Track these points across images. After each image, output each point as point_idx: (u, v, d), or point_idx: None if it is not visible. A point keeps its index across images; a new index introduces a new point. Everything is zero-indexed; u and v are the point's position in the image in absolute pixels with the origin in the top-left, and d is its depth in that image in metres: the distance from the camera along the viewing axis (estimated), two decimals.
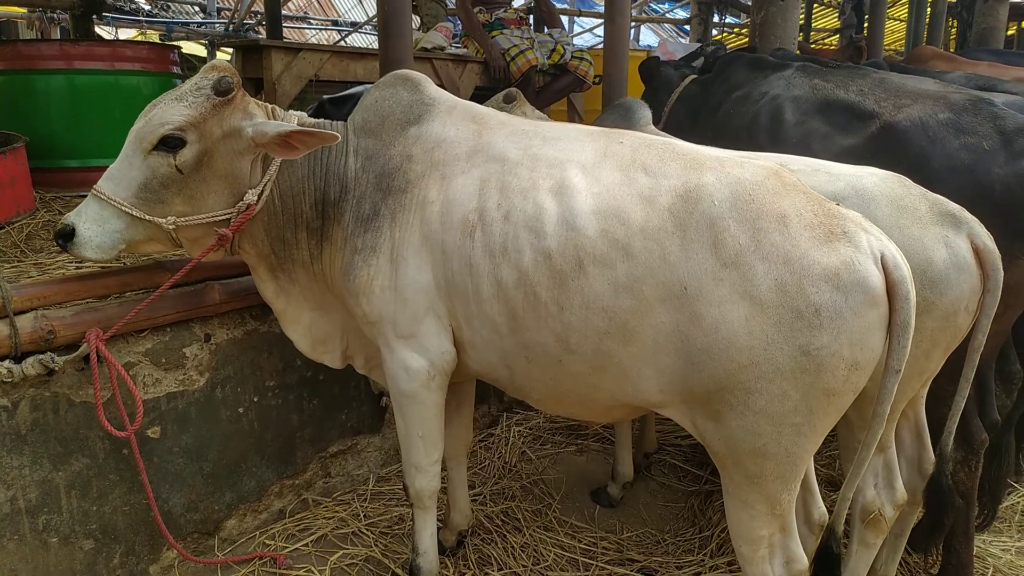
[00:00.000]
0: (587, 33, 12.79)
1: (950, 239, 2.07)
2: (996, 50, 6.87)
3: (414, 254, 2.05)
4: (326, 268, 2.22)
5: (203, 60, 9.15)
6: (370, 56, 4.65)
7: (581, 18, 12.30)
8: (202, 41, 9.92)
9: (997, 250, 2.08)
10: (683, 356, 1.75)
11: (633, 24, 14.11)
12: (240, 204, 2.08)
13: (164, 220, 2.02)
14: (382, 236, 2.08)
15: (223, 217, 2.09)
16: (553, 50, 5.25)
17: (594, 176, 1.90)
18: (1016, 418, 2.90)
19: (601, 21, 9.13)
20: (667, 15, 13.97)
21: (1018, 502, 3.26)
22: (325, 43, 12.40)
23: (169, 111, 1.98)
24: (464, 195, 2.01)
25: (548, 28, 5.53)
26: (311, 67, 4.16)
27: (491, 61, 5.05)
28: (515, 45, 5.06)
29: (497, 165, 2.02)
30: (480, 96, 3.94)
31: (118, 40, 8.55)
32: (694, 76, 3.66)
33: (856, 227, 1.67)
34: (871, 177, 2.07)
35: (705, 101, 3.39)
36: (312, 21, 13.73)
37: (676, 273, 1.72)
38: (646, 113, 2.90)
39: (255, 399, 2.71)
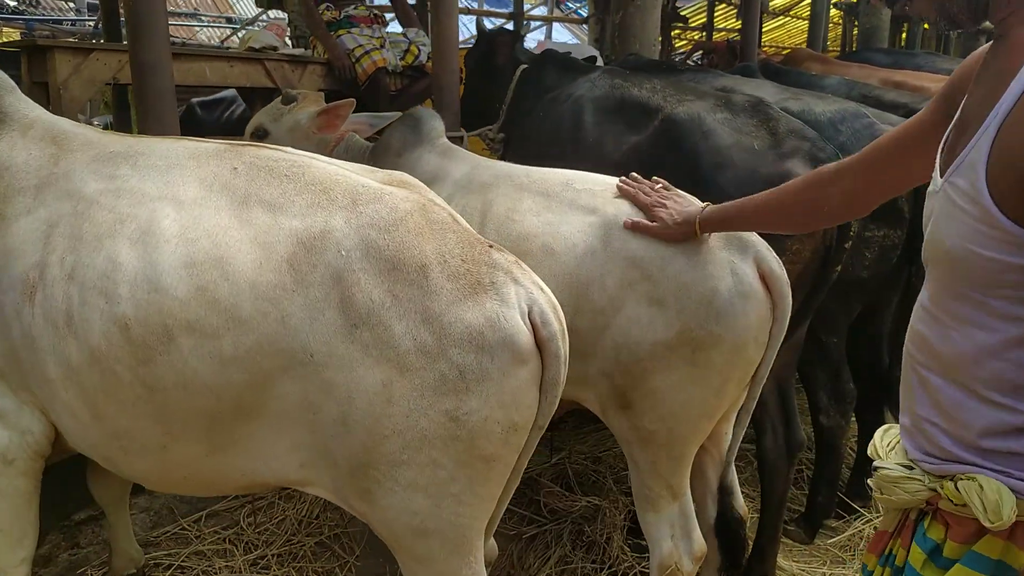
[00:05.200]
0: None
1: (736, 265, 1.96)
2: (881, 49, 6.92)
3: None
4: None
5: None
6: (218, 58, 4.23)
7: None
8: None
9: (786, 275, 1.99)
10: (317, 429, 1.48)
11: (543, 24, 13.98)
12: None
13: None
14: None
15: None
16: (407, 51, 4.91)
17: (194, 216, 1.53)
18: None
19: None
20: (571, 15, 13.85)
21: (863, 528, 3.11)
22: (216, 41, 11.82)
23: None
24: (26, 243, 1.59)
25: (403, 27, 5.20)
26: (107, 69, 3.71)
27: (335, 62, 4.68)
28: (360, 45, 4.70)
29: (70, 203, 1.60)
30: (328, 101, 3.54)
31: None
32: (525, 66, 3.55)
33: (505, 276, 1.46)
34: None
35: (523, 103, 3.35)
36: (203, 18, 13.10)
37: (300, 339, 1.43)
38: (438, 125, 2.63)
39: None
